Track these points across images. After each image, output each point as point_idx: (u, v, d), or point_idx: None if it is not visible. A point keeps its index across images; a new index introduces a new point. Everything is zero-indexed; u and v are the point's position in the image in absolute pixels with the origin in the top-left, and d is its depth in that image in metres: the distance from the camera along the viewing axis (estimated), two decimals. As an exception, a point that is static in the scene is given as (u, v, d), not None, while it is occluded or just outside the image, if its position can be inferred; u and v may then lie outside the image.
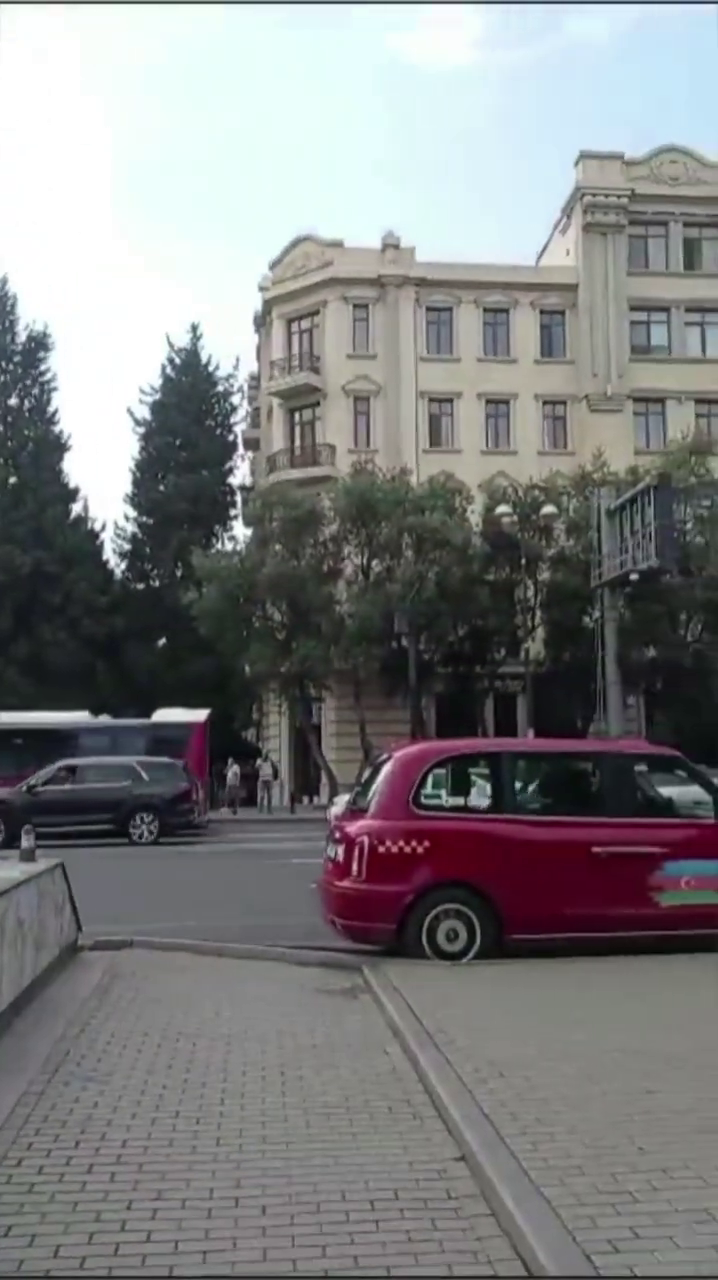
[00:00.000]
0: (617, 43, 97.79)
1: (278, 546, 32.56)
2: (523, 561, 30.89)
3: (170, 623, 40.01)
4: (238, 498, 45.82)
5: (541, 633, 33.60)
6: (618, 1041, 5.43)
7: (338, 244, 38.57)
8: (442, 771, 8.54)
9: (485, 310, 38.80)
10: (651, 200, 38.90)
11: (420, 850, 7.93)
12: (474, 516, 32.98)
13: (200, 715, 29.23)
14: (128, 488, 45.60)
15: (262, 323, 41.90)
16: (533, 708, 34.19)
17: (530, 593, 33.00)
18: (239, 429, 47.29)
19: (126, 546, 45.32)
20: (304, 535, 32.53)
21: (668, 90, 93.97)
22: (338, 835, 8.40)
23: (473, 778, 8.68)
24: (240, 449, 47.54)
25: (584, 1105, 4.44)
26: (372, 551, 32.34)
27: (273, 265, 40.12)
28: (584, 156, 39.00)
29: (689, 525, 32.55)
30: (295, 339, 39.39)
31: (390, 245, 38.52)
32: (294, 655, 31.69)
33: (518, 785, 8.49)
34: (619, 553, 29.42)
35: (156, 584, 44.34)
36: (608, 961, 7.62)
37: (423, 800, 8.16)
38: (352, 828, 8.23)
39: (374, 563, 32.49)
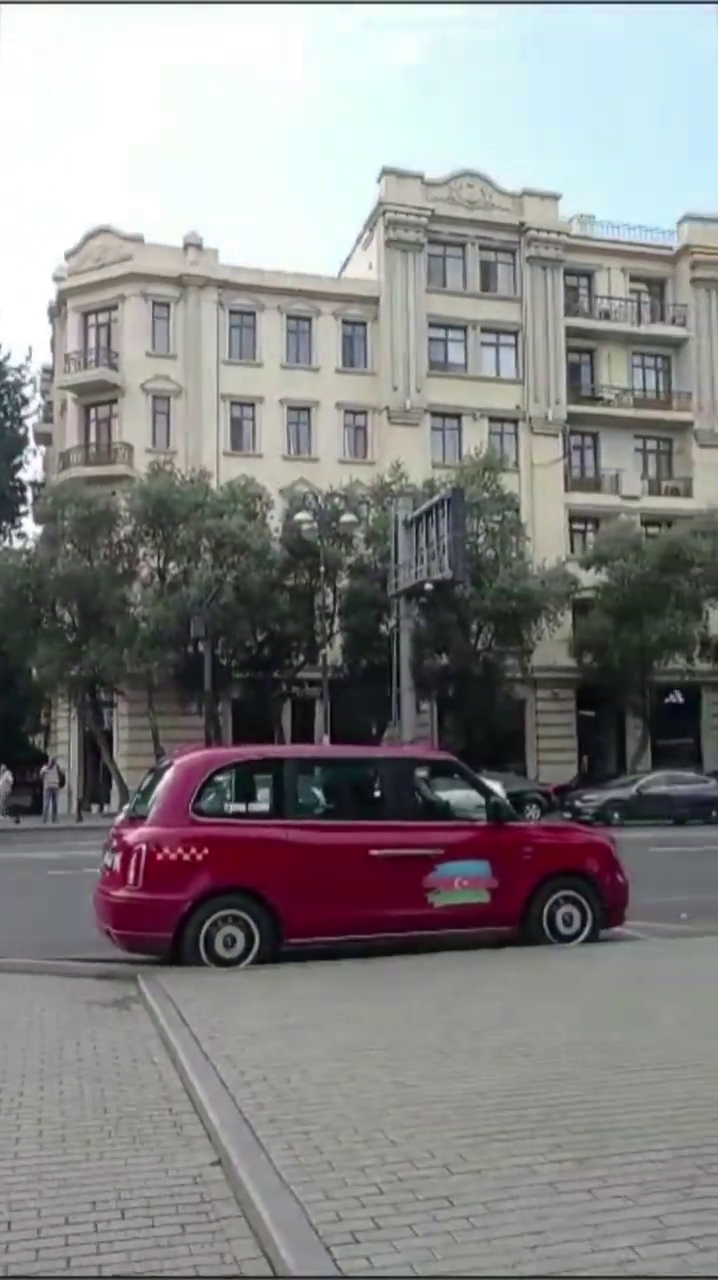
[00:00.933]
0: (428, 63, 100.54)
1: (69, 546, 31.71)
2: (322, 569, 31.25)
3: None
4: (28, 494, 44.31)
5: (339, 640, 34.08)
6: (381, 1039, 5.59)
7: (138, 239, 37.95)
8: (224, 778, 8.55)
9: (289, 317, 39.06)
10: (449, 221, 40.17)
11: (199, 857, 7.91)
12: (274, 522, 33.14)
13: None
14: None
15: (56, 314, 40.70)
16: (331, 714, 34.68)
17: (329, 600, 33.41)
18: (30, 423, 45.69)
19: None
20: (98, 535, 31.84)
21: (470, 115, 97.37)
22: (115, 843, 8.27)
23: (256, 784, 8.74)
24: (32, 443, 45.95)
25: (342, 1103, 4.55)
26: (168, 554, 31.97)
27: (69, 255, 39.02)
28: (387, 173, 39.88)
29: (482, 538, 33.81)
30: (92, 333, 38.48)
31: (193, 245, 38.20)
32: (85, 658, 30.91)
33: (300, 791, 8.61)
34: (415, 563, 30.24)
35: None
36: (382, 962, 7.83)
37: (203, 807, 8.15)
38: (130, 835, 8.12)
39: (171, 565, 32.12)
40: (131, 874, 7.87)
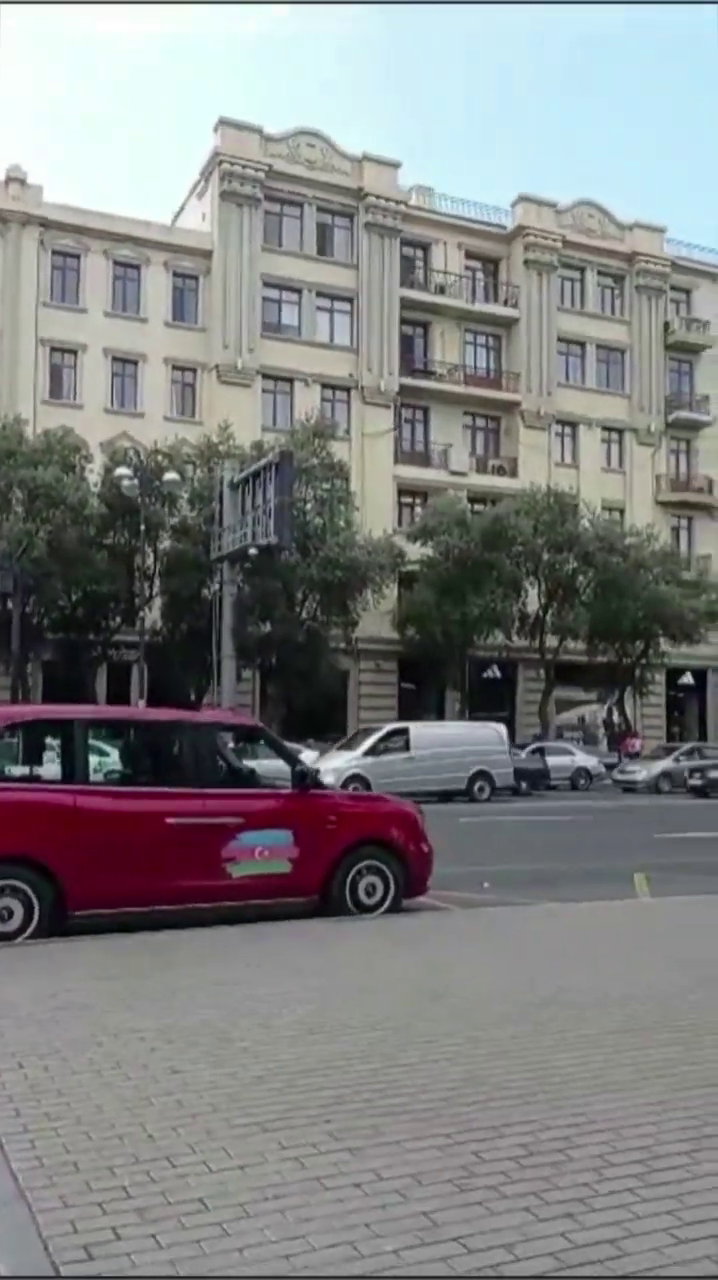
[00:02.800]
0: (283, 21, 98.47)
1: None
2: (143, 528, 30.23)
3: None
4: None
5: (159, 602, 33.17)
6: (157, 1020, 5.19)
7: (-45, 170, 35.64)
8: (8, 740, 7.93)
9: (116, 263, 37.52)
10: (287, 179, 39.42)
11: (-26, 822, 7.30)
12: (94, 476, 31.84)
13: None
14: None
15: None
16: (150, 679, 33.77)
17: (150, 561, 32.42)
18: None
19: None
20: None
21: (313, 77, 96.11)
22: None
23: (42, 746, 8.15)
24: None
25: (101, 1093, 4.14)
26: (-24, 505, 30.24)
27: None
28: (224, 123, 38.75)
29: (309, 505, 33.48)
30: None
31: (15, 180, 36.15)
32: None
33: (90, 754, 8.07)
34: (240, 526, 29.69)
35: None
36: (174, 936, 7.43)
37: (-18, 770, 7.53)
38: None
39: (-20, 517, 30.39)
40: None
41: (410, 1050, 4.70)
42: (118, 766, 8.67)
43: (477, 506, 38.14)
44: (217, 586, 30.86)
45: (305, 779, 8.42)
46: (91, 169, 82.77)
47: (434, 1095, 4.09)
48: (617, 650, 38.58)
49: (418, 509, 40.04)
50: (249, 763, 9.88)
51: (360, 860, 8.56)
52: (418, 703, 40.63)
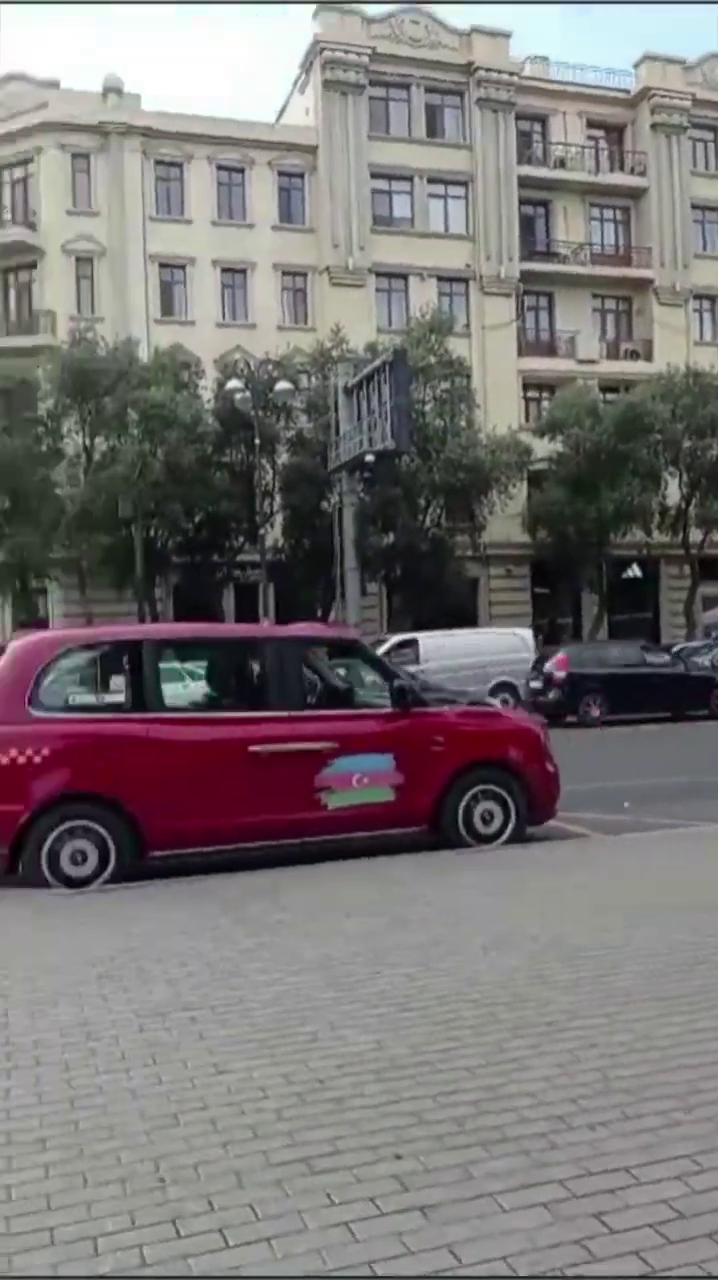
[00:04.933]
0: None
1: (-13, 423, 29.61)
2: (258, 443, 29.38)
3: None
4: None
5: (279, 519, 32.46)
6: (206, 994, 4.35)
7: (53, 84, 34.75)
8: (71, 665, 7.19)
9: (219, 169, 36.15)
10: (392, 61, 37.08)
11: (39, 759, 6.61)
12: (207, 393, 31.08)
13: None
14: None
15: (-30, 171, 37.46)
16: (275, 597, 33.30)
17: (269, 476, 31.66)
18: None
19: None
20: (16, 411, 29.64)
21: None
22: (-55, 745, 6.94)
23: (111, 672, 7.40)
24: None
25: (123, 1102, 3.31)
26: (93, 430, 29.92)
27: (-21, 105, 35.69)
28: (323, 8, 36.57)
29: (428, 406, 32.01)
30: (7, 190, 35.47)
31: (113, 90, 35.01)
32: (6, 544, 29.13)
33: (164, 679, 7.27)
34: (356, 433, 28.56)
35: None
36: (257, 878, 6.64)
37: (45, 700, 6.80)
38: (-43, 735, 6.79)
39: (98, 442, 30.11)
40: (-44, 780, 6.58)
41: (532, 1031, 3.72)
42: (195, 691, 7.90)
43: (609, 395, 35.81)
44: (336, 499, 29.92)
45: (406, 696, 7.44)
46: (190, 75, 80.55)
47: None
48: (769, 540, 36.06)
49: (545, 402, 37.91)
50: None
51: (475, 784, 7.58)
52: (553, 607, 39.10)
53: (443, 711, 7.82)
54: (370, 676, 8.26)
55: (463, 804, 7.53)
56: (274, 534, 32.24)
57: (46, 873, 6.53)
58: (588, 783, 10.69)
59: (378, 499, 30.94)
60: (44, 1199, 2.68)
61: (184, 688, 7.91)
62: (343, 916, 5.56)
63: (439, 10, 38.11)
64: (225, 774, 6.93)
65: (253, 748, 6.97)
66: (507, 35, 38.54)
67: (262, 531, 30.73)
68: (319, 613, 32.93)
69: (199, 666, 8.01)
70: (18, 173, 35.33)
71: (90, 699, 7.21)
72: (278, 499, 31.99)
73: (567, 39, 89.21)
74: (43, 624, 33.49)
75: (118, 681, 7.16)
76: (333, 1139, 2.92)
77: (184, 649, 8.49)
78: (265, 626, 7.87)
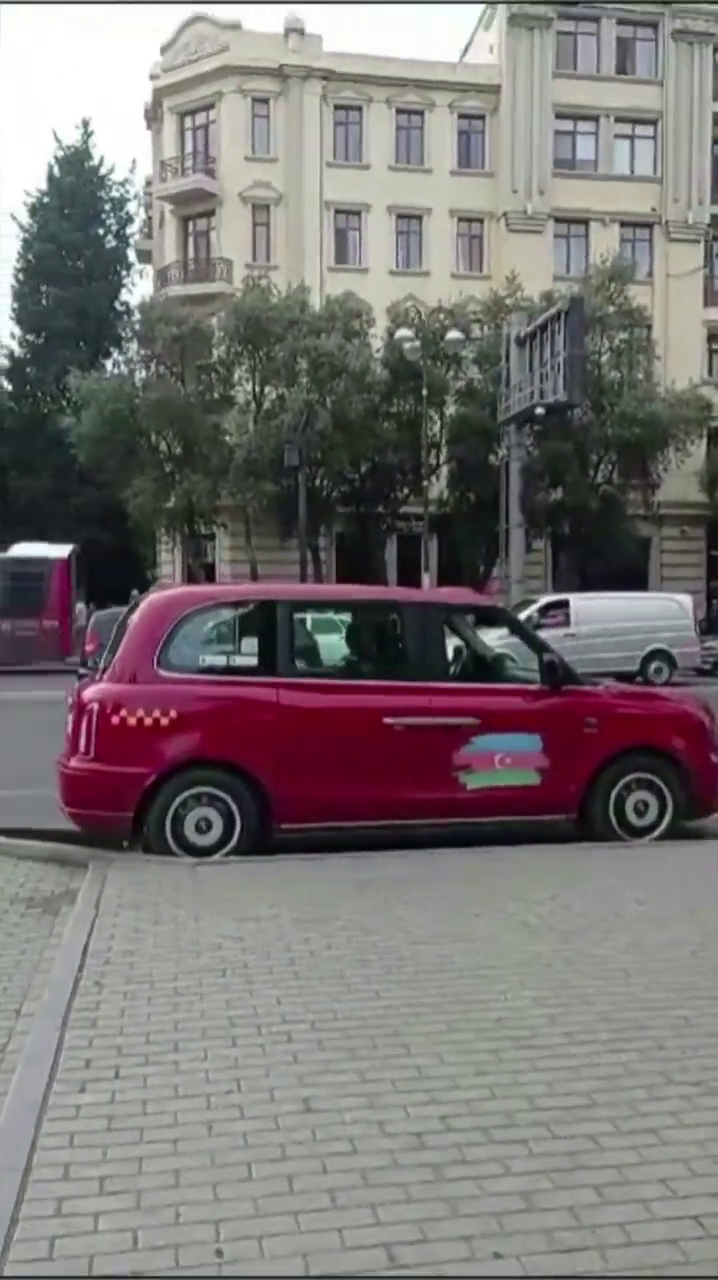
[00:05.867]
0: None
1: (162, 369, 29.90)
2: (426, 393, 28.70)
3: (52, 451, 37.23)
4: (135, 316, 42.40)
5: (445, 471, 31.79)
6: (305, 1008, 3.98)
7: (235, 26, 34.44)
8: (200, 624, 6.90)
9: (399, 112, 35.24)
10: (583, -9, 35.24)
11: (166, 721, 6.37)
12: (377, 342, 30.55)
13: (62, 551, 27.15)
14: (9, 301, 41.97)
15: (153, 118, 37.74)
16: (439, 550, 32.76)
17: (437, 428, 30.99)
18: (134, 240, 43.32)
19: (5, 364, 41.73)
20: (190, 358, 29.86)
21: None
22: (71, 702, 6.79)
23: (241, 632, 7.08)
24: (135, 262, 43.70)
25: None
26: (264, 377, 29.87)
27: (164, 49, 35.83)
28: (512, -63, 34.97)
29: (605, 358, 30.63)
30: (189, 136, 35.56)
31: (294, 30, 34.47)
32: (177, 489, 29.52)
33: (296, 641, 6.91)
34: (527, 385, 27.53)
35: (41, 408, 41.11)
36: (389, 860, 6.24)
37: (173, 660, 6.54)
38: (86, 693, 6.62)
39: (267, 390, 30.07)
40: (84, 740, 6.42)
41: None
42: (330, 655, 7.51)
43: None
44: (504, 452, 29.02)
45: (556, 671, 6.85)
46: (374, 15, 78.62)
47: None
48: None
49: (731, 356, 35.78)
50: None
51: (629, 772, 6.95)
52: (731, 572, 37.19)
53: (597, 690, 7.21)
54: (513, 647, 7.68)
55: (615, 793, 6.93)
56: (439, 486, 31.65)
57: (170, 840, 6.31)
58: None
59: (548, 454, 29.89)
60: None
61: (319, 652, 7.50)
62: (471, 916, 5.11)
63: (637, -66, 35.86)
64: (358, 746, 6.54)
65: (387, 719, 6.54)
66: (711, -42, 35.93)
67: (426, 484, 30.17)
68: (482, 569, 32.26)
69: (336, 630, 7.60)
70: (199, 119, 35.38)
71: (221, 660, 6.90)
72: (444, 451, 31.31)
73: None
74: (210, 570, 34.08)
75: (250, 643, 6.84)
76: (421, 1221, 2.48)
77: (320, 610, 8.12)
78: (405, 590, 7.39)
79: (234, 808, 6.39)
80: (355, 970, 4.29)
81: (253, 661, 6.77)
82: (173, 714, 6.38)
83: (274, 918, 5.03)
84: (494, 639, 8.46)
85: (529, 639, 7.28)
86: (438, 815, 6.74)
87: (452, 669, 7.24)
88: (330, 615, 8.07)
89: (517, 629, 7.42)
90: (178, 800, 6.34)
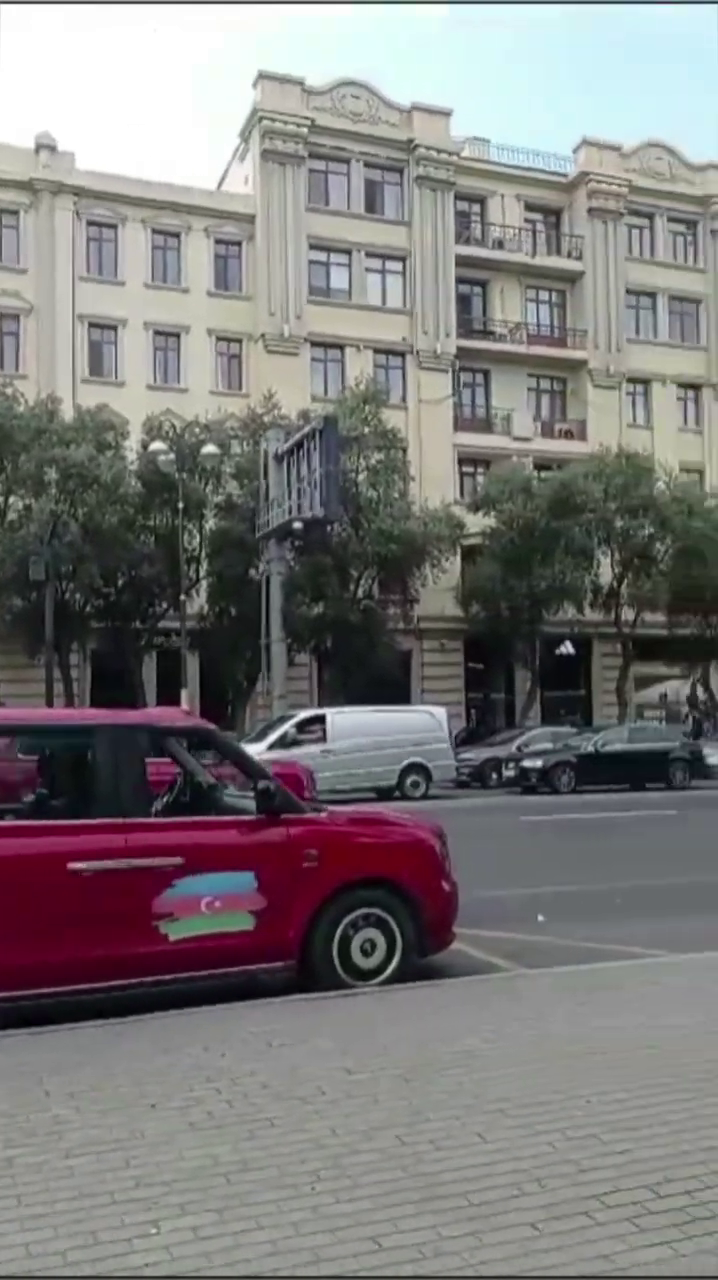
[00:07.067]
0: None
1: None
2: (183, 506, 28.24)
3: None
4: None
5: (205, 585, 31.27)
6: None
7: (-18, 138, 33.98)
8: None
9: (155, 232, 35.54)
10: (332, 134, 37.03)
11: None
12: (132, 454, 30.00)
13: None
14: None
15: None
16: (200, 666, 32.00)
17: (195, 541, 30.55)
18: None
19: None
20: (-71, 467, 28.29)
21: (353, 29, 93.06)
22: None
23: None
24: None
25: None
26: (7, 488, 28.63)
27: None
28: (263, 77, 36.46)
29: (362, 477, 31.26)
30: (-66, 242, 34.48)
31: (46, 147, 34.34)
32: None
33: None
34: (285, 500, 27.73)
35: None
36: (70, 1036, 5.29)
37: None
38: None
39: (13, 501, 28.80)
40: None
41: None
42: (8, 792, 6.60)
43: (543, 473, 35.43)
44: (264, 566, 28.89)
45: (273, 799, 6.18)
46: (127, 139, 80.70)
47: None
48: (700, 621, 35.63)
49: (480, 478, 37.46)
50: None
51: (354, 908, 6.31)
52: (486, 683, 38.29)
53: (319, 818, 6.57)
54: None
55: (339, 933, 6.25)
56: (200, 601, 31.06)
57: None
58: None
59: (308, 568, 30.00)
60: None
61: (-6, 788, 6.57)
62: (146, 1109, 4.24)
63: (381, 86, 38.30)
64: (37, 898, 5.59)
65: (73, 864, 5.64)
66: (447, 114, 38.77)
67: (185, 598, 29.52)
68: (245, 684, 31.71)
69: (12, 761, 6.69)
70: (-56, 226, 34.36)
71: None
72: (205, 564, 30.83)
73: (506, 122, 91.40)
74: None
75: None
76: None
77: (-2, 739, 7.18)
78: (102, 712, 6.45)
79: None
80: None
81: None
82: None
83: None
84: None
85: (243, 763, 6.61)
86: (137, 974, 5.83)
87: (159, 801, 6.45)
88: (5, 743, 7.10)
89: (229, 752, 6.72)
90: None
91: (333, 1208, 3.38)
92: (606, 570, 33.94)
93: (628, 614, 34.60)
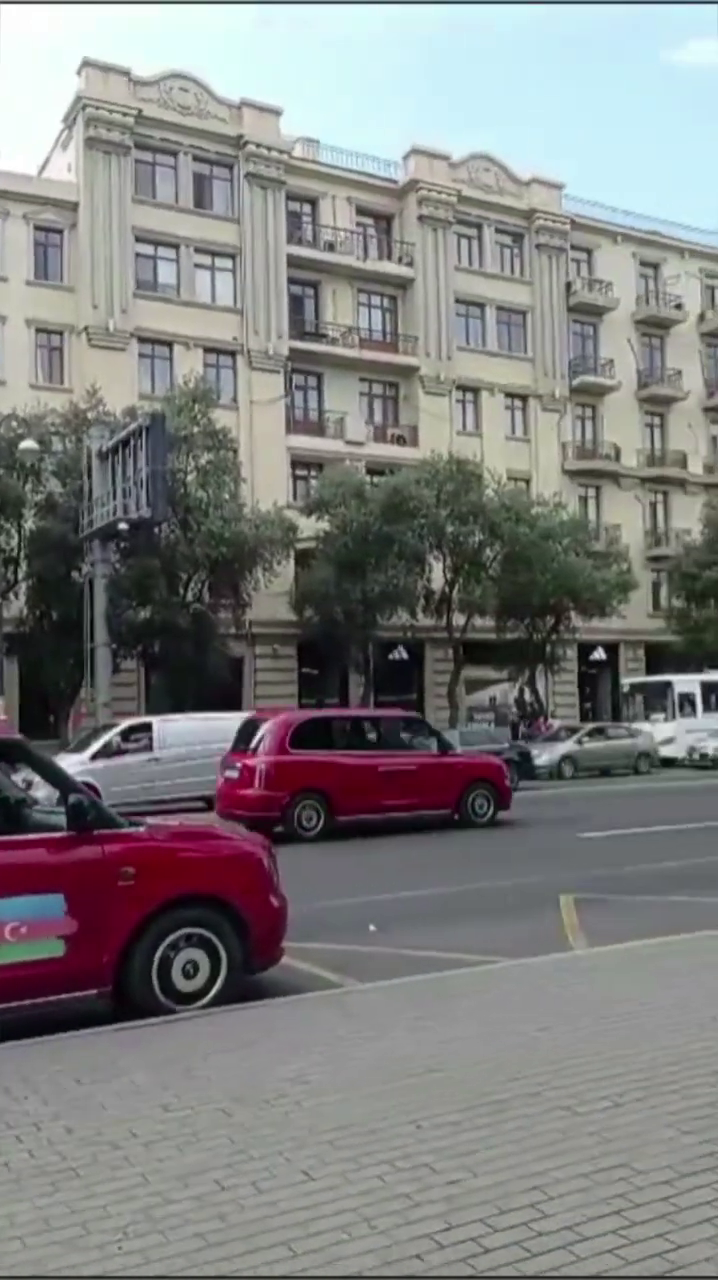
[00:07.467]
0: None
1: None
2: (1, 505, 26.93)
3: None
4: None
5: (25, 587, 29.95)
6: None
7: None
8: None
9: (-30, 217, 33.92)
10: (159, 125, 36.17)
11: None
12: (-57, 450, 28.41)
13: None
14: None
15: None
16: (20, 671, 30.66)
17: (14, 542, 29.22)
18: None
19: None
20: None
21: (183, 21, 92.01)
22: None
23: None
24: None
25: None
26: None
27: None
28: (87, 65, 35.29)
29: (191, 477, 30.57)
30: None
31: None
32: None
33: None
34: (110, 499, 26.77)
35: None
36: None
37: None
38: None
39: None
40: None
41: None
42: None
43: (375, 478, 35.55)
44: (88, 568, 27.86)
45: (84, 814, 5.72)
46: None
47: None
48: (527, 626, 36.53)
49: (313, 481, 37.27)
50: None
51: (175, 928, 5.91)
52: (320, 688, 38.13)
53: (137, 833, 6.14)
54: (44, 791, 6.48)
55: (159, 955, 5.84)
56: (18, 604, 29.72)
57: None
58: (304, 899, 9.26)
59: (135, 570, 29.08)
60: None
61: None
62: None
63: (209, 79, 37.71)
64: None
65: None
66: (277, 112, 38.48)
67: (1, 601, 28.16)
68: (67, 690, 30.52)
69: None
70: None
71: None
72: (23, 566, 29.51)
73: (338, 124, 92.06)
74: None
75: None
76: None
77: None
78: None
79: None
80: None
81: None
82: None
83: None
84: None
85: (53, 776, 6.11)
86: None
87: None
88: None
89: (38, 765, 6.22)
90: None
91: (140, 1269, 3.02)
92: (437, 575, 34.33)
93: (459, 619, 35.09)
